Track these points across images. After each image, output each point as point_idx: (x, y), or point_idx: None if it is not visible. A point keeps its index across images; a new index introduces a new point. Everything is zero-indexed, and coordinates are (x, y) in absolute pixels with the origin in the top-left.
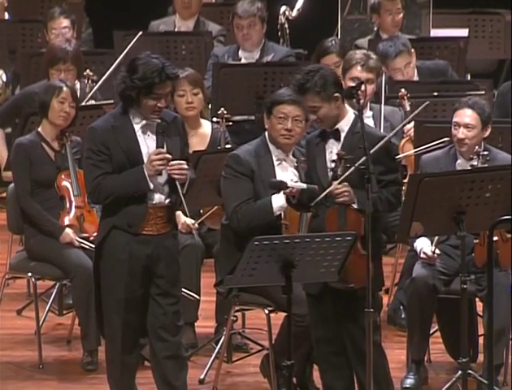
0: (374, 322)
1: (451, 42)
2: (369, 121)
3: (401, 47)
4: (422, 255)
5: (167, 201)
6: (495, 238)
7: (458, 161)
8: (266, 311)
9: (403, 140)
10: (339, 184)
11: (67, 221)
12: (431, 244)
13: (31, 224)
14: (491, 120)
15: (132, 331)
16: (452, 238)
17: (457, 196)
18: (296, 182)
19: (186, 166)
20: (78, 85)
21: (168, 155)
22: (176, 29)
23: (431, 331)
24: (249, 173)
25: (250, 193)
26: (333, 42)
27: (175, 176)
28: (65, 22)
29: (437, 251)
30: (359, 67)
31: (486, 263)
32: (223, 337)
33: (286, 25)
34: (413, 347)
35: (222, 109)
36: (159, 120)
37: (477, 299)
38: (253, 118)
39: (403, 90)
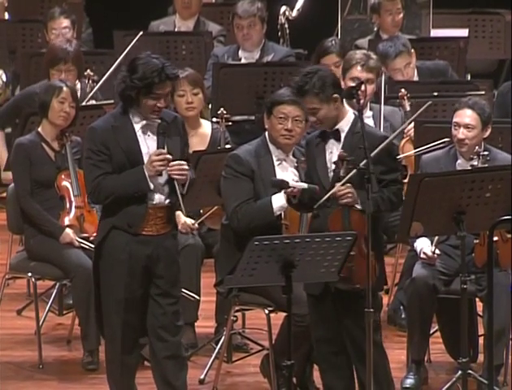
0: (375, 322)
1: (451, 42)
2: (369, 121)
3: (401, 47)
4: (422, 255)
5: (167, 201)
6: (495, 238)
7: (458, 161)
8: (266, 311)
9: (403, 141)
10: (342, 185)
11: (67, 221)
12: (431, 244)
13: (31, 224)
14: (491, 120)
15: (131, 331)
16: (452, 238)
17: (458, 196)
18: (297, 182)
19: (186, 167)
20: (79, 85)
21: (169, 156)
22: (176, 29)
23: (431, 331)
24: (249, 173)
25: (250, 193)
26: (333, 42)
27: (176, 177)
28: (65, 22)
29: (437, 251)
30: (359, 67)
31: (486, 263)
32: (223, 337)
33: (286, 25)
34: (413, 347)
35: (222, 109)
36: (159, 120)
37: (477, 299)
38: (253, 118)
39: (403, 90)
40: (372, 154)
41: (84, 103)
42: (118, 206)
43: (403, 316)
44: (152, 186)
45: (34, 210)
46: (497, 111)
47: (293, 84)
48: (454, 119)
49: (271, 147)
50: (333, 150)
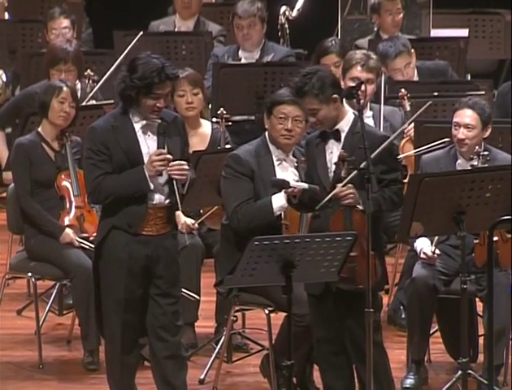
0: (375, 322)
1: (451, 42)
2: (369, 121)
3: (400, 47)
4: (422, 255)
5: (167, 201)
6: (495, 238)
7: (458, 161)
8: (267, 311)
9: (403, 141)
10: (343, 186)
11: (67, 221)
12: (431, 244)
13: (31, 224)
14: (491, 120)
15: (131, 331)
16: (452, 238)
17: (458, 196)
18: (297, 182)
19: (187, 167)
20: (79, 85)
21: (169, 156)
22: (176, 29)
23: (431, 331)
24: (249, 173)
25: (250, 193)
26: (333, 42)
27: (176, 177)
28: (65, 22)
29: (437, 251)
30: (359, 67)
31: (486, 263)
32: (223, 337)
33: (286, 25)
34: (413, 347)
35: (222, 109)
36: (159, 120)
37: (477, 299)
38: (253, 118)
39: (403, 90)
40: (373, 154)
41: (84, 103)
42: (118, 206)
43: (403, 316)
44: (152, 186)
45: (34, 210)
46: (497, 111)
47: (293, 85)
48: (454, 119)
49: (271, 147)
50: (333, 150)
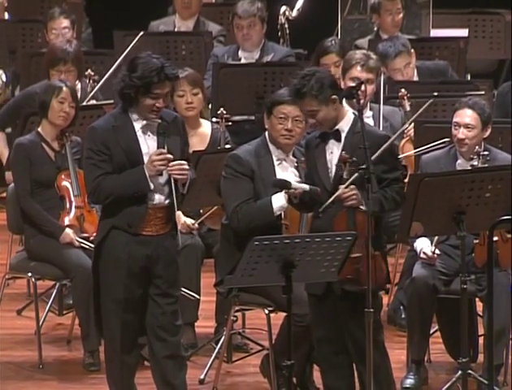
0: (377, 323)
1: (451, 42)
2: (369, 121)
3: (400, 47)
4: (422, 255)
5: (167, 201)
6: (495, 238)
7: (458, 161)
8: (266, 311)
9: (403, 141)
10: (346, 187)
11: (67, 221)
12: (431, 244)
13: (31, 224)
14: (491, 120)
15: (131, 331)
16: (452, 238)
17: (458, 196)
18: (299, 183)
19: (187, 166)
20: (79, 86)
21: (169, 155)
22: (176, 29)
23: (431, 331)
24: (249, 173)
25: (250, 193)
26: (333, 42)
27: (176, 176)
28: (65, 22)
29: (437, 251)
30: (359, 67)
31: (486, 263)
32: (223, 337)
33: (286, 25)
34: (413, 347)
35: (222, 109)
36: (159, 120)
37: (477, 299)
38: (253, 118)
39: (403, 90)
40: (375, 155)
41: (84, 103)
42: (118, 206)
43: (403, 316)
44: (152, 186)
45: (34, 210)
46: (497, 111)
47: (291, 87)
48: (454, 119)
49: (271, 147)
50: (333, 151)
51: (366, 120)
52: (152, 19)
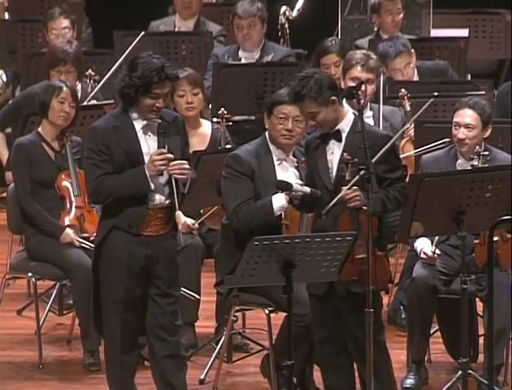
0: (379, 322)
1: (451, 42)
2: (369, 121)
3: (400, 47)
4: (422, 255)
5: (167, 201)
6: (495, 238)
7: (459, 161)
8: (267, 311)
9: (403, 141)
10: (348, 188)
11: (67, 221)
12: (432, 244)
13: (31, 224)
14: (491, 120)
15: (131, 331)
16: (452, 238)
17: (458, 196)
18: (301, 185)
19: (187, 166)
20: (79, 86)
21: (170, 155)
22: (176, 29)
23: (431, 331)
24: (249, 173)
25: (251, 193)
26: (333, 42)
27: (177, 176)
28: (65, 22)
29: (437, 251)
30: (359, 67)
31: (486, 263)
32: (223, 337)
33: (286, 25)
34: (413, 347)
35: (222, 109)
36: (160, 120)
37: (477, 299)
38: (253, 118)
39: (403, 90)
40: (377, 155)
41: (85, 103)
42: (118, 207)
43: (403, 316)
44: (153, 186)
45: (34, 210)
46: (497, 111)
47: (290, 89)
48: (455, 119)
49: (272, 147)
50: (334, 151)
51: (366, 120)
52: (152, 19)
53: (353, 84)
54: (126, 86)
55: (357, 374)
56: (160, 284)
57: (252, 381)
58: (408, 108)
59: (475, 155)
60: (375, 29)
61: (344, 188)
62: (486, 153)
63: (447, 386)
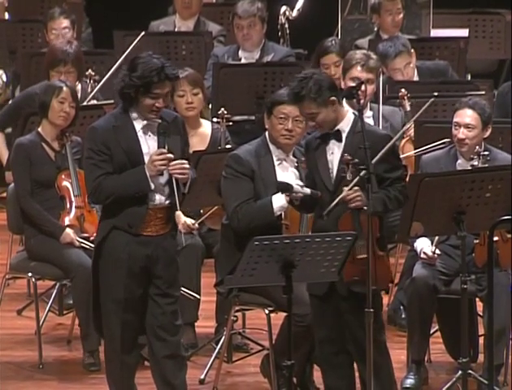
0: (379, 322)
1: (451, 42)
2: (369, 121)
3: (400, 47)
4: (422, 255)
5: (167, 201)
6: (495, 238)
7: (459, 161)
8: (267, 311)
9: (403, 141)
10: (349, 189)
11: (67, 221)
12: (432, 244)
13: (31, 224)
14: (491, 120)
15: (131, 331)
16: (452, 238)
17: (458, 196)
18: (301, 186)
19: (188, 166)
20: (79, 86)
21: (170, 155)
22: (176, 29)
23: (431, 331)
24: (249, 173)
25: (251, 193)
26: (333, 42)
27: (177, 176)
28: (65, 22)
29: (437, 251)
30: (359, 67)
31: (486, 263)
32: (223, 337)
33: (286, 25)
34: (413, 347)
35: (222, 109)
36: (159, 120)
37: (477, 299)
38: (253, 118)
39: (403, 90)
40: (378, 155)
41: (85, 103)
42: (118, 207)
43: (403, 316)
44: (153, 186)
45: (34, 210)
46: (497, 111)
47: (289, 90)
48: (455, 119)
49: (272, 147)
50: (334, 151)
51: (366, 120)
52: (152, 19)
53: (353, 84)
54: (126, 86)
55: (357, 374)
56: (160, 284)
57: (252, 381)
58: (408, 108)
59: (475, 155)
60: (375, 29)
61: (346, 188)
62: (486, 153)
63: (447, 386)
